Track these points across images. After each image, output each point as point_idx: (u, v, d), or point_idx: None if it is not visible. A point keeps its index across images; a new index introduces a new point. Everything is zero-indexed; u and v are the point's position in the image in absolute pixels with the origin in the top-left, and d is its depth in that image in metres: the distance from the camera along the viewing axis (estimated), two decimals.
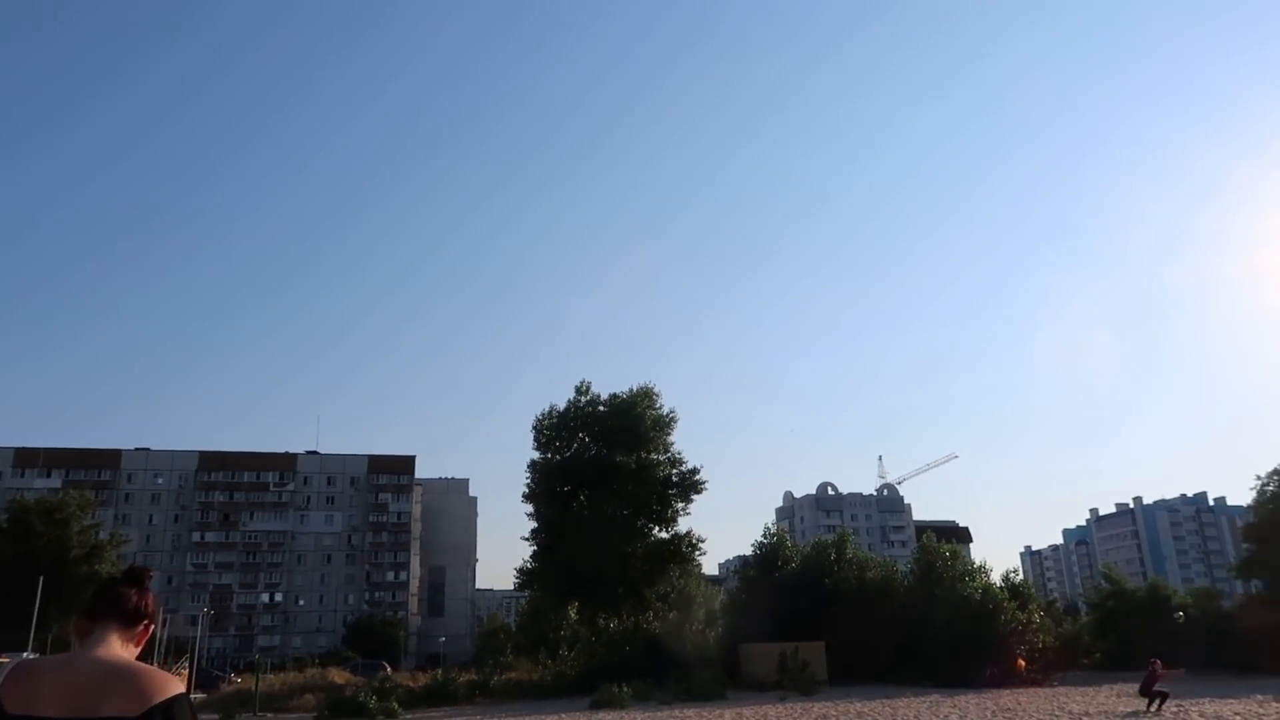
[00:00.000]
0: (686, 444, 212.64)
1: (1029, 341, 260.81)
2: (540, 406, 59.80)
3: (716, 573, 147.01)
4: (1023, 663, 37.34)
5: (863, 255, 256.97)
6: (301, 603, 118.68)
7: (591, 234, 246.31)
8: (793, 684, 34.49)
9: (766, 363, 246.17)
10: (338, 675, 40.54)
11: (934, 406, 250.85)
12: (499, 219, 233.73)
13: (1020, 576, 48.19)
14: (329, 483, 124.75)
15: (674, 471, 52.52)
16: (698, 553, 51.89)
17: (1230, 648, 39.82)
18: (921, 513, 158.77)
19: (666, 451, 52.89)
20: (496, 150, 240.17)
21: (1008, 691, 31.43)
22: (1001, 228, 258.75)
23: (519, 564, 55.41)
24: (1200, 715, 21.35)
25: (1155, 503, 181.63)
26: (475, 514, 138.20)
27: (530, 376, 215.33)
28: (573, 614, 43.83)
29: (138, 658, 2.61)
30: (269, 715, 31.75)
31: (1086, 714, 22.40)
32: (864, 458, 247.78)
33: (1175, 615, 46.32)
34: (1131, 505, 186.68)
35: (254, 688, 36.18)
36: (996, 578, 43.81)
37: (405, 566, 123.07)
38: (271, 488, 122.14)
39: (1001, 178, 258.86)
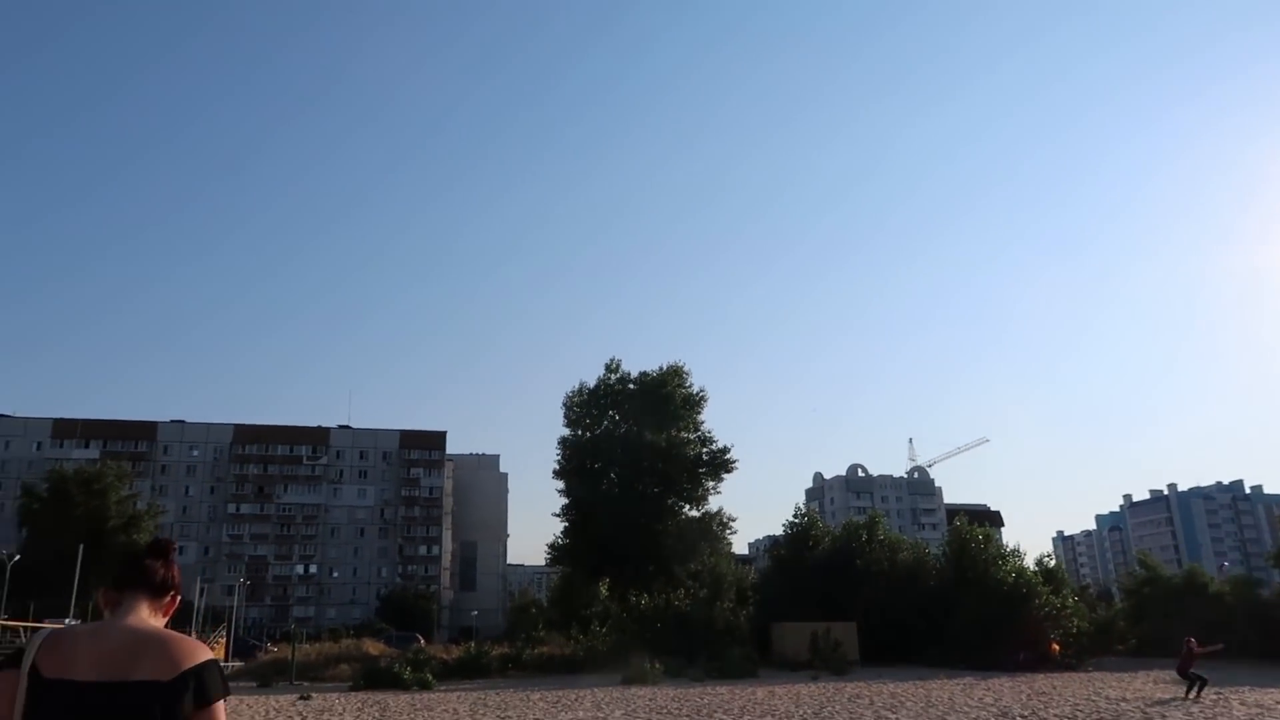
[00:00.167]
0: (716, 423, 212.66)
1: (1062, 325, 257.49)
2: (571, 384, 59.87)
3: (746, 552, 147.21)
4: (1056, 647, 37.00)
5: (895, 239, 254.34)
6: (336, 575, 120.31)
7: (625, 216, 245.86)
8: (824, 664, 34.45)
9: (797, 344, 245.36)
10: (372, 646, 41.03)
11: (966, 390, 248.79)
12: (533, 200, 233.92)
13: (1054, 561, 47.71)
14: (361, 457, 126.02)
15: (704, 450, 52.48)
16: (728, 531, 51.95)
17: (1269, 636, 39.20)
18: (952, 496, 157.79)
19: (696, 430, 52.84)
20: (530, 134, 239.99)
21: (1041, 676, 31.16)
22: (1037, 213, 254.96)
23: (550, 540, 55.79)
24: (1241, 704, 21.00)
25: (1190, 490, 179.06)
26: (506, 490, 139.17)
27: (562, 354, 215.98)
28: (603, 590, 44.02)
29: (166, 626, 2.66)
30: (305, 684, 32.18)
31: (1124, 699, 22.12)
32: (894, 440, 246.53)
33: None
34: (1166, 492, 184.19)
35: (290, 657, 36.68)
36: (1029, 562, 43.41)
37: (437, 541, 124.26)
38: (305, 461, 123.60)
39: (1039, 163, 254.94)
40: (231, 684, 24.97)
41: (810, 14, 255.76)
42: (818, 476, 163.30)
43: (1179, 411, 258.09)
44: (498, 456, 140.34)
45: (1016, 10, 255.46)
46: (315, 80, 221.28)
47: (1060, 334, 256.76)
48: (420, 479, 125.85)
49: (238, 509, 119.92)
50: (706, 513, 51.75)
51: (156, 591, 2.67)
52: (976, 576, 40.04)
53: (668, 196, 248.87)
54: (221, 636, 59.12)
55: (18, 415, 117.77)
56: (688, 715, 19.31)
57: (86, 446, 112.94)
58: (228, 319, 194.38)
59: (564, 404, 53.32)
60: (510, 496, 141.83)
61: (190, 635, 2.60)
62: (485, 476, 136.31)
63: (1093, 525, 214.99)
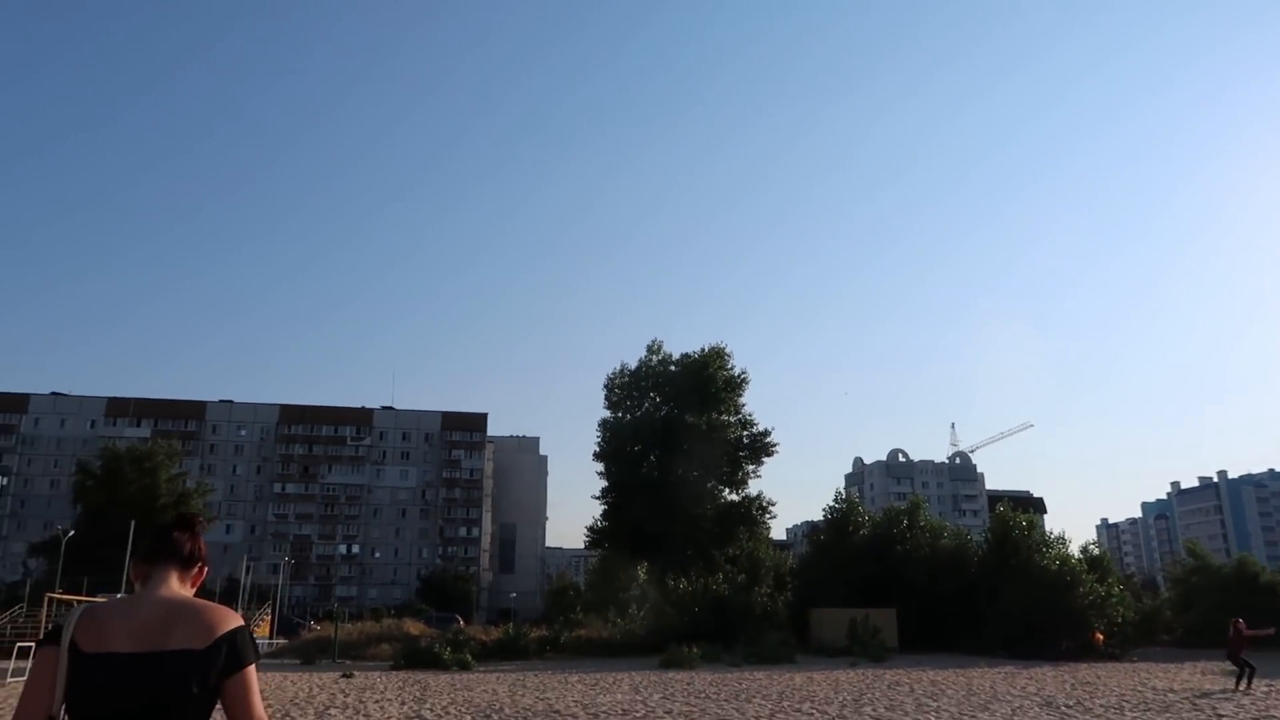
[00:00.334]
0: (756, 406, 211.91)
1: (1111, 310, 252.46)
2: (612, 366, 59.83)
3: (784, 537, 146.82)
4: (1100, 637, 36.41)
5: (941, 224, 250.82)
6: (377, 555, 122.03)
7: (669, 201, 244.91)
8: (863, 650, 34.25)
9: (839, 329, 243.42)
10: (412, 626, 41.56)
11: (1009, 375, 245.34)
12: (577, 186, 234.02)
13: (1100, 549, 46.95)
14: (404, 438, 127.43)
15: (744, 433, 52.21)
16: (768, 516, 51.68)
17: None
18: (994, 482, 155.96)
19: (737, 413, 52.54)
20: (573, 121, 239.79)
21: (1085, 665, 30.68)
22: (1086, 198, 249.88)
23: (588, 523, 56.00)
24: None
25: (1241, 477, 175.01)
26: (545, 472, 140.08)
27: (603, 337, 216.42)
28: (642, 574, 44.13)
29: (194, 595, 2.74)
30: (347, 663, 32.69)
31: (1171, 690, 21.70)
32: (936, 425, 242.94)
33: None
34: (1215, 479, 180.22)
35: (333, 636, 37.28)
36: (1074, 550, 42.72)
37: (477, 523, 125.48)
38: (349, 441, 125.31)
39: (1090, 148, 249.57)
40: (276, 661, 25.40)
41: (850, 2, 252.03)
42: (857, 461, 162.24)
43: (1229, 397, 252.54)
44: (537, 439, 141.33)
45: None
46: (359, 68, 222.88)
47: (1108, 318, 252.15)
48: (461, 461, 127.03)
49: (283, 488, 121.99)
50: (746, 497, 51.53)
51: (185, 563, 2.73)
52: (1019, 564, 39.50)
53: (713, 181, 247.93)
54: (266, 614, 60.32)
55: (74, 394, 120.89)
56: (725, 699, 19.29)
57: (139, 425, 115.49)
58: (276, 301, 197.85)
59: (605, 386, 53.34)
60: (549, 479, 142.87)
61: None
62: (525, 459, 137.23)
63: (1138, 513, 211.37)
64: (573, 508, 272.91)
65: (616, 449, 51.57)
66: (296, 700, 19.09)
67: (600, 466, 52.53)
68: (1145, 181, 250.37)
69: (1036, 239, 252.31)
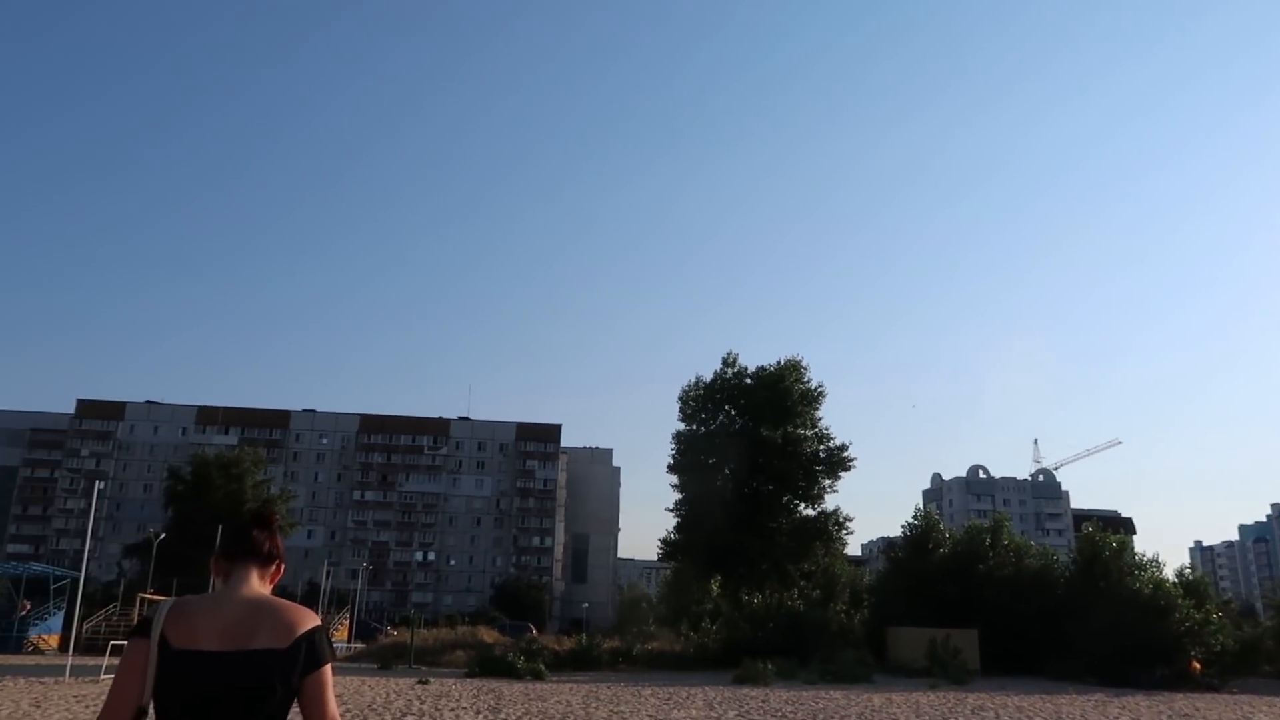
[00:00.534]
0: (833, 420, 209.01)
1: (1208, 325, 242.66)
2: (686, 378, 59.57)
3: (859, 553, 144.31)
4: (1197, 665, 34.73)
5: (1029, 233, 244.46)
6: (453, 562, 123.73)
7: (746, 210, 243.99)
8: (943, 671, 33.24)
9: (918, 342, 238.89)
10: (486, 634, 41.88)
11: (1097, 389, 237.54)
12: (653, 195, 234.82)
13: (1197, 572, 44.91)
14: (479, 448, 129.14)
15: (821, 447, 51.37)
16: (844, 531, 50.73)
17: None
18: (1079, 500, 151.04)
19: (814, 426, 51.72)
20: (649, 130, 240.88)
21: (1180, 695, 29.26)
22: (1185, 211, 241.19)
23: (661, 535, 55.69)
24: None
25: None
26: (618, 484, 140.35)
27: (677, 349, 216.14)
28: (715, 587, 43.68)
29: (272, 592, 2.83)
30: (423, 668, 33.03)
31: None
32: (1018, 441, 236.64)
33: None
34: None
35: (409, 641, 37.74)
36: (1169, 573, 40.90)
37: (550, 532, 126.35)
38: (426, 451, 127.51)
39: (1191, 156, 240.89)
40: (354, 665, 25.73)
41: (933, 6, 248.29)
42: (936, 478, 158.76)
43: None
44: (611, 450, 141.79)
45: None
46: (439, 72, 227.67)
47: (1205, 334, 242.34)
48: (535, 471, 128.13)
49: (362, 495, 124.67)
50: (823, 512, 50.70)
51: (264, 561, 2.81)
52: (1109, 586, 37.95)
53: (789, 190, 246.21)
54: (345, 618, 61.53)
55: (166, 402, 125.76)
56: None
57: (226, 433, 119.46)
58: (358, 312, 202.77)
59: (680, 398, 53.08)
60: (622, 490, 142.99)
61: (291, 601, 2.70)
62: (598, 470, 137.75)
63: (1235, 535, 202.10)
64: (645, 519, 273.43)
65: (690, 461, 51.25)
66: (374, 706, 19.28)
67: (674, 479, 52.29)
68: (1245, 189, 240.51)
69: (1131, 252, 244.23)
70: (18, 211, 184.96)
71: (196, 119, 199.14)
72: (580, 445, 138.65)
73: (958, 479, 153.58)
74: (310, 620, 2.61)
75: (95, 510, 37.41)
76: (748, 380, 52.64)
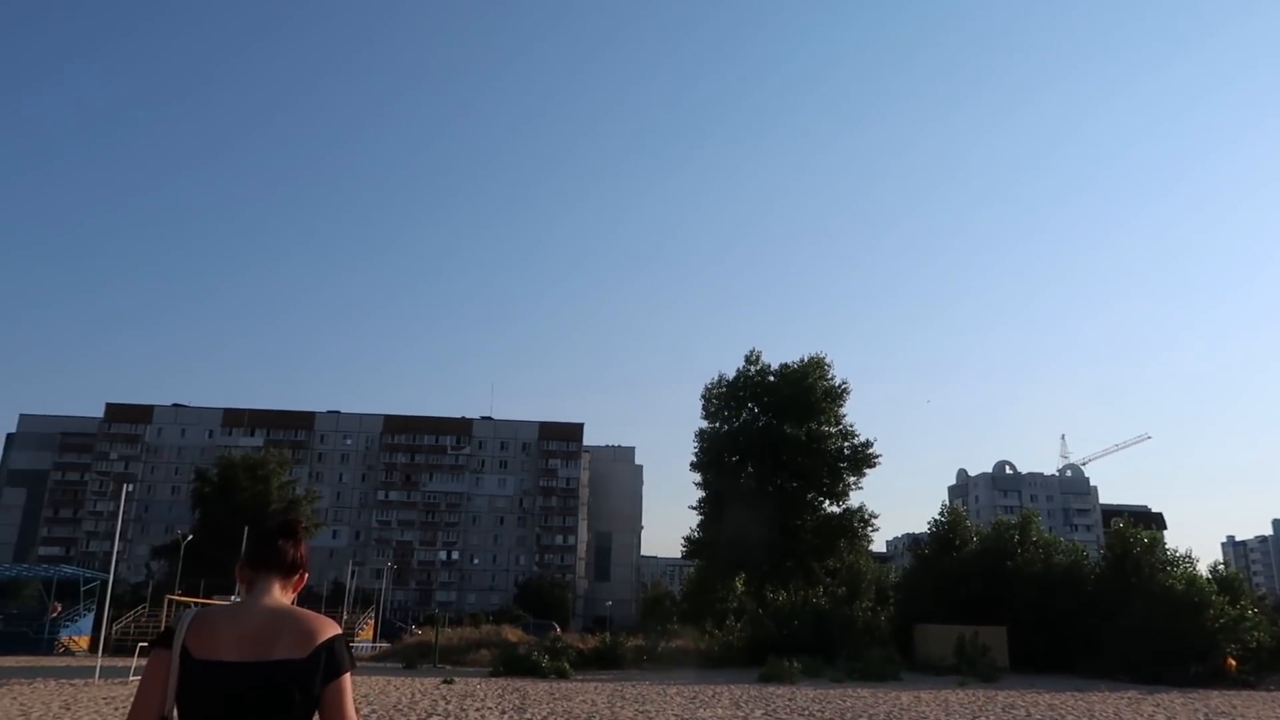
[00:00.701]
0: (857, 417, 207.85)
1: (1233, 318, 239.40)
2: (709, 376, 59.32)
3: (884, 550, 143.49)
4: (1233, 662, 34.11)
5: (1060, 233, 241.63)
6: (476, 561, 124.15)
7: (771, 212, 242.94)
8: (971, 669, 32.86)
9: (944, 338, 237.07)
10: (510, 633, 41.90)
11: (1126, 384, 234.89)
12: (677, 196, 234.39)
13: (1231, 568, 44.20)
14: (502, 447, 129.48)
15: (845, 444, 51.00)
16: (870, 528, 50.35)
17: None
18: (1108, 496, 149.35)
19: (838, 424, 51.33)
20: (675, 132, 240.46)
21: (1216, 693, 28.73)
22: (1216, 212, 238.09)
23: (684, 533, 55.56)
24: None
25: None
26: (641, 482, 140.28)
27: (700, 347, 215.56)
28: (739, 585, 43.46)
29: (294, 603, 2.85)
30: (447, 667, 33.06)
31: None
32: (1045, 436, 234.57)
33: None
34: None
35: (434, 640, 37.81)
36: (1202, 569, 40.24)
37: (573, 531, 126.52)
38: (449, 451, 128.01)
39: (1219, 159, 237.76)
40: (379, 665, 25.73)
41: (965, 5, 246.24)
42: (962, 473, 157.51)
43: None
44: (633, 449, 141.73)
45: None
46: (474, 79, 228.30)
47: (1235, 329, 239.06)
48: (558, 470, 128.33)
49: (386, 496, 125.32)
50: (847, 509, 50.33)
51: (288, 571, 2.83)
52: (1141, 582, 37.39)
53: (815, 191, 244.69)
54: (370, 618, 61.80)
55: (193, 405, 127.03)
56: (831, 718, 18.64)
57: (252, 435, 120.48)
58: (381, 315, 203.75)
59: (703, 396, 52.87)
60: (645, 489, 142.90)
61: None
62: (621, 469, 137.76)
63: (1269, 530, 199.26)
64: (668, 517, 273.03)
65: (714, 459, 51.04)
66: (399, 706, 19.24)
67: (697, 477, 52.13)
68: (1271, 193, 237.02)
69: (1164, 251, 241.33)
70: (50, 223, 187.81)
71: (228, 133, 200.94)
72: (603, 444, 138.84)
73: (984, 475, 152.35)
74: (329, 629, 2.63)
75: (124, 512, 37.71)
76: (771, 378, 52.34)
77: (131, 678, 25.08)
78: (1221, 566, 42.74)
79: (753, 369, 52.98)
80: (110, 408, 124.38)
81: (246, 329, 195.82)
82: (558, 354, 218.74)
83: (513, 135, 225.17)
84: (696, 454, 52.16)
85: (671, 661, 35.33)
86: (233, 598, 37.72)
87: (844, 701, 22.40)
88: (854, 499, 51.24)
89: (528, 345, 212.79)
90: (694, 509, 52.15)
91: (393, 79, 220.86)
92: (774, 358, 59.74)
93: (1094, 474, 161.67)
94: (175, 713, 2.53)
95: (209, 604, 31.93)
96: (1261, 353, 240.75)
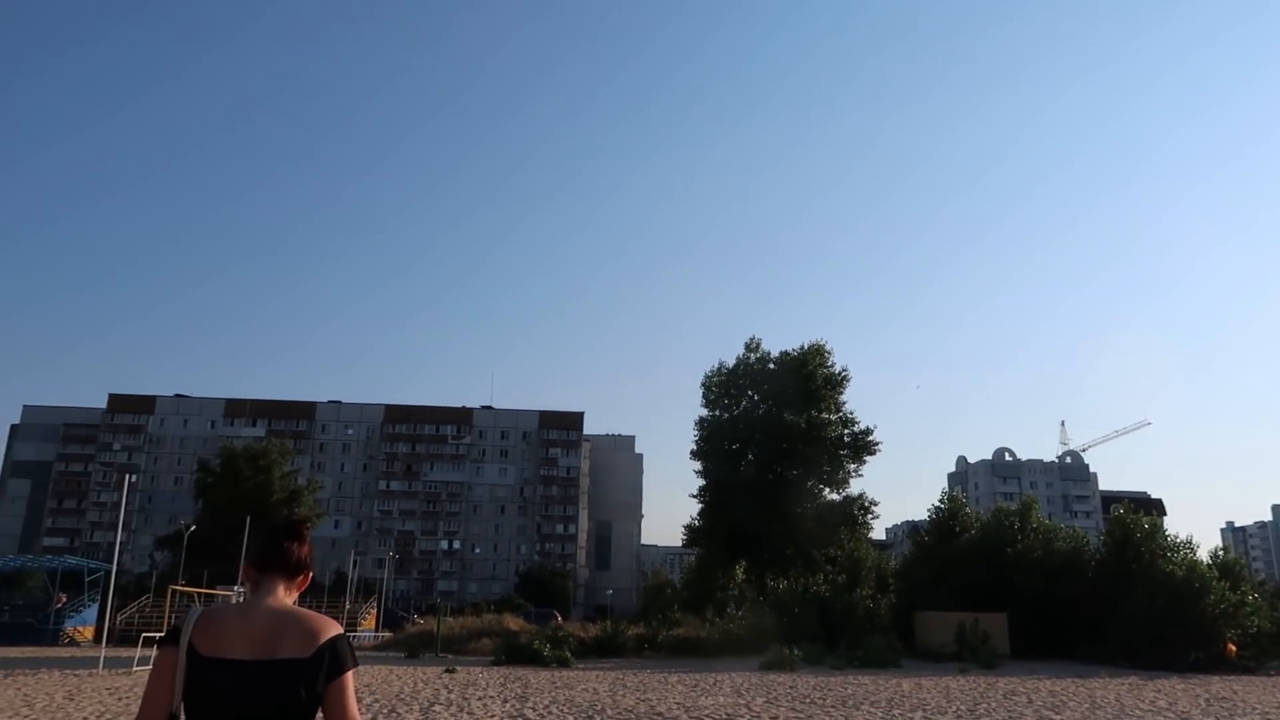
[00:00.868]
0: (857, 404, 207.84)
1: (1234, 301, 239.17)
2: (709, 364, 59.28)
3: (884, 538, 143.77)
4: (1233, 648, 34.21)
5: (1050, 209, 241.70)
6: (477, 550, 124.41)
7: (761, 193, 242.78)
8: (972, 656, 33.00)
9: (940, 322, 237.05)
10: (512, 622, 41.96)
11: (1124, 370, 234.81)
12: (667, 179, 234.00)
13: (1231, 554, 44.28)
14: (502, 436, 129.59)
15: (845, 432, 50.99)
16: (870, 516, 50.38)
17: None
18: (1108, 482, 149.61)
19: (838, 411, 51.29)
20: (664, 111, 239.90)
21: (1216, 678, 28.82)
22: (1206, 186, 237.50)
23: (684, 521, 55.57)
24: None
25: None
26: (641, 470, 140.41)
27: (700, 335, 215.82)
28: (740, 573, 43.54)
29: (297, 602, 2.94)
30: (449, 657, 33.19)
31: None
32: (1044, 423, 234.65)
33: None
34: None
35: (436, 630, 37.91)
36: (1203, 554, 40.30)
37: (574, 520, 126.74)
38: (450, 440, 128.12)
39: (1197, 134, 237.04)
40: (382, 654, 25.85)
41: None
42: (961, 460, 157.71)
43: None
44: (633, 438, 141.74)
45: None
46: (456, 72, 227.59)
47: (1232, 309, 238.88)
48: (558, 459, 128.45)
49: (388, 485, 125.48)
50: (847, 496, 50.34)
51: (292, 572, 2.90)
52: (1141, 569, 37.46)
53: (802, 172, 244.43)
54: (373, 607, 62.01)
55: (195, 396, 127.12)
56: (832, 705, 18.70)
57: (254, 425, 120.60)
58: (382, 305, 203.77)
59: (703, 384, 52.81)
60: (645, 477, 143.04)
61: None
62: (621, 457, 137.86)
63: (1268, 515, 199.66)
64: (668, 506, 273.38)
65: (714, 447, 51.02)
66: (402, 696, 19.32)
67: (697, 465, 52.13)
68: (1260, 168, 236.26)
69: (1154, 226, 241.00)
70: (52, 215, 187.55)
71: (223, 125, 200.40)
72: (603, 433, 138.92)
73: (983, 462, 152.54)
74: (332, 629, 2.70)
75: (127, 503, 37.81)
76: (770, 365, 52.29)
77: (135, 668, 25.18)
78: (1221, 552, 42.82)
79: (752, 356, 52.94)
80: (113, 398, 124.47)
81: (248, 319, 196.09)
82: (557, 343, 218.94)
83: (505, 126, 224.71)
84: (697, 442, 52.16)
85: (673, 650, 35.46)
86: (236, 588, 37.80)
87: (845, 689, 22.49)
88: (854, 486, 51.33)
89: (528, 335, 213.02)
90: (694, 497, 52.20)
91: (383, 66, 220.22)
92: (773, 342, 60.00)
93: (1094, 460, 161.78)
94: (183, 709, 2.59)
95: (213, 594, 31.99)
96: (1260, 339, 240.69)
